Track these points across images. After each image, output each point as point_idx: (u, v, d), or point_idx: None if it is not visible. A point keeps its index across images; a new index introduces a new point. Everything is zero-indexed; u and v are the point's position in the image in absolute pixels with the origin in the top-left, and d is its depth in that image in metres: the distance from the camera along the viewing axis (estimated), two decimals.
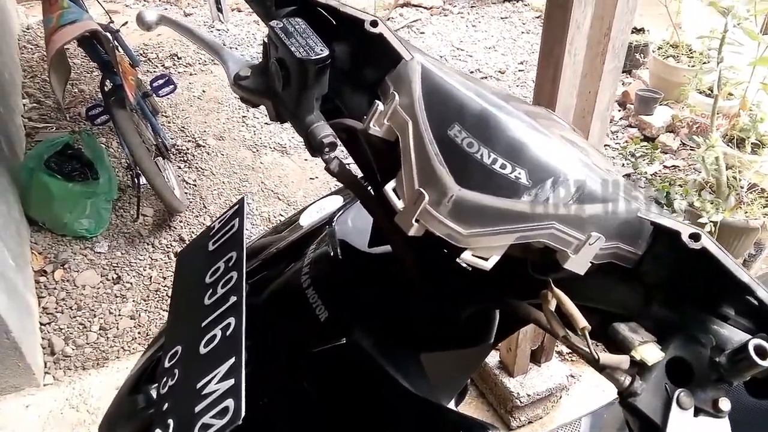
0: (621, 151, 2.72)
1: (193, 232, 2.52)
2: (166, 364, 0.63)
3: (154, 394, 0.63)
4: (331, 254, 0.65)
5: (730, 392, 0.51)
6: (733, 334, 0.50)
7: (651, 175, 2.86)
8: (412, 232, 0.49)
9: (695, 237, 0.45)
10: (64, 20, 2.17)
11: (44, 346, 2.03)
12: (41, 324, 2.10)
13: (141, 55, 4.10)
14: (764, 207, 2.35)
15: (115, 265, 2.37)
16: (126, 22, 2.83)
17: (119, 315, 2.17)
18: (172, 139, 3.04)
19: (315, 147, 0.56)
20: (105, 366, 2.00)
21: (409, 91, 0.52)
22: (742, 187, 2.35)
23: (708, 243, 0.45)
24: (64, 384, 1.92)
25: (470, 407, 1.96)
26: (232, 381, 0.54)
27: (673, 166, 2.93)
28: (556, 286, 0.52)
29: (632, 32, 3.81)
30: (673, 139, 3.02)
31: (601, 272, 0.51)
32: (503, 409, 1.88)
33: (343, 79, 0.60)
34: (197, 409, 0.54)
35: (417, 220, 0.49)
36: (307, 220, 0.78)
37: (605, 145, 3.05)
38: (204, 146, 3.05)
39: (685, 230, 0.46)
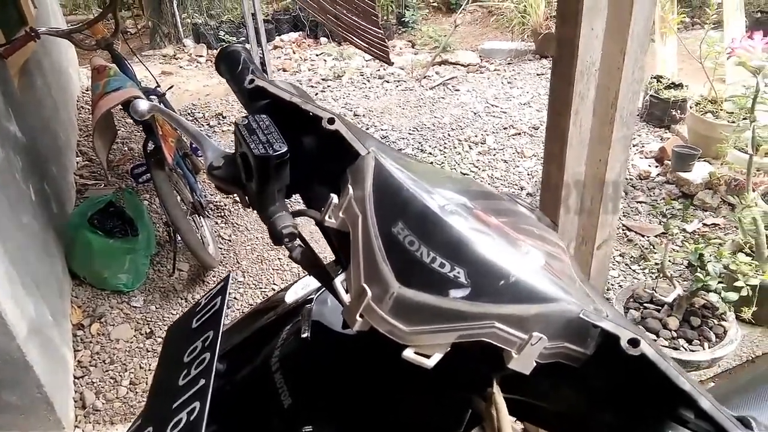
0: (652, 211, 2.65)
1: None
2: None
3: None
4: (302, 335, 0.66)
5: None
6: None
7: (689, 233, 2.77)
8: (356, 327, 0.50)
9: (634, 343, 0.45)
10: (109, 87, 2.32)
11: (76, 400, 2.09)
12: (75, 377, 2.17)
13: (188, 114, 4.31)
14: None
15: (149, 319, 2.44)
16: (171, 86, 3.00)
17: (149, 369, 2.22)
18: (211, 195, 3.15)
19: (276, 236, 0.58)
20: (131, 421, 2.03)
21: (362, 185, 0.54)
22: None
23: (647, 349, 0.45)
24: None
25: None
26: None
27: (713, 224, 2.83)
28: (507, 383, 0.52)
29: (670, 88, 3.77)
30: (711, 197, 2.93)
31: (549, 371, 0.50)
32: None
33: (311, 171, 0.63)
34: None
35: (361, 315, 0.50)
36: (292, 297, 0.80)
37: (639, 202, 2.99)
38: (239, 203, 3.14)
39: (625, 335, 0.45)
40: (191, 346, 0.71)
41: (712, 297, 1.99)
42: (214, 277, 2.65)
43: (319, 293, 0.76)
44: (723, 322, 2.06)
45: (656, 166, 3.32)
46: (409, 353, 0.48)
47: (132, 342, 2.34)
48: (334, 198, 0.55)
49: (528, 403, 0.55)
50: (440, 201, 0.51)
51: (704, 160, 3.16)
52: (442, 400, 0.60)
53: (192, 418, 0.60)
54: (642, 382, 0.48)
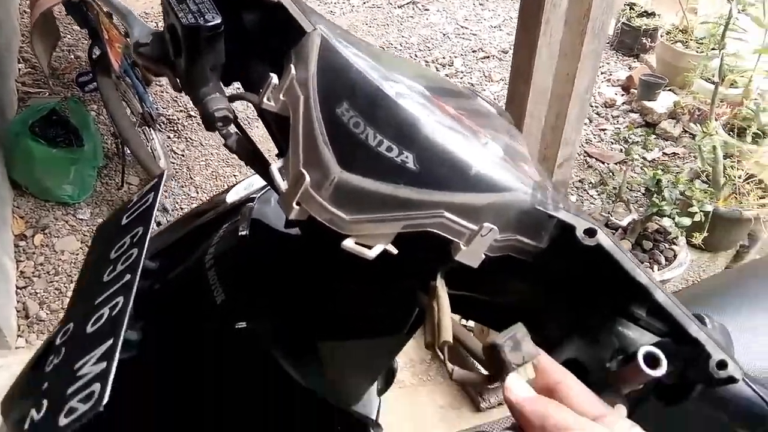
0: (614, 136, 2.65)
1: (176, 202, 2.50)
2: (57, 341, 0.60)
3: None
4: (239, 233, 0.62)
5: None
6: (641, 338, 0.46)
7: (649, 161, 2.79)
8: (292, 216, 0.45)
9: (590, 233, 0.41)
10: None
11: (19, 310, 2.03)
12: (17, 288, 2.10)
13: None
14: (760, 198, 2.29)
15: None
16: None
17: None
18: (163, 108, 3.00)
19: (208, 120, 0.52)
20: None
21: (306, 65, 0.48)
22: (738, 178, 2.29)
23: (604, 240, 0.41)
24: (36, 347, 1.92)
25: (441, 387, 1.94)
26: (104, 365, 0.50)
27: (673, 153, 2.86)
28: (453, 277, 0.49)
29: (642, 16, 3.70)
30: (674, 126, 2.94)
31: (499, 266, 0.47)
32: (474, 389, 1.86)
33: (251, 51, 0.56)
34: (69, 390, 0.51)
35: (299, 203, 0.45)
36: (233, 197, 0.75)
37: (602, 130, 2.98)
38: (195, 117, 3.01)
39: (581, 225, 0.42)
40: (119, 243, 0.65)
41: (666, 222, 2.02)
42: (165, 192, 2.56)
43: (263, 192, 0.71)
44: (674, 247, 2.11)
45: (622, 95, 3.30)
46: (349, 243, 0.44)
47: (78, 254, 2.26)
48: (274, 78, 0.49)
49: (475, 299, 0.52)
50: (393, 85, 0.45)
51: (670, 90, 3.15)
52: (385, 295, 0.56)
53: (114, 313, 0.55)
54: (596, 276, 0.45)
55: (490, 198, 0.43)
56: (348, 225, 0.44)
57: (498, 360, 0.41)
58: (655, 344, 0.42)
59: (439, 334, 0.43)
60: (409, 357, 2.04)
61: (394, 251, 0.44)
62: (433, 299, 0.46)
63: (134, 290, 0.57)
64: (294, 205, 0.45)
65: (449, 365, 0.42)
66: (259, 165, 0.56)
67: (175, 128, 2.93)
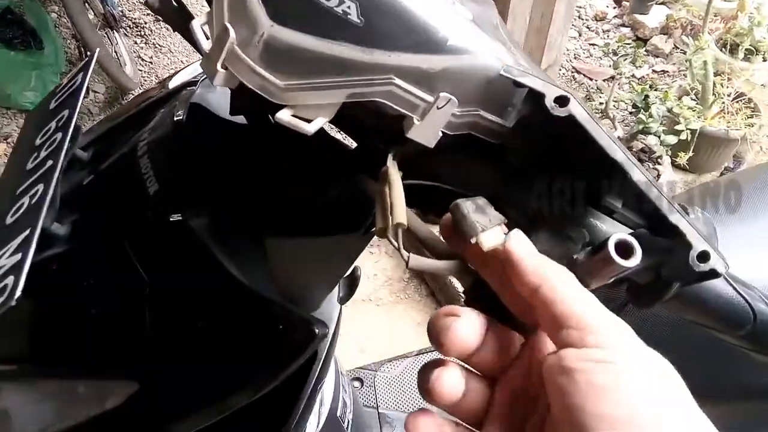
0: (603, 48, 2.54)
1: None
2: None
3: None
4: (176, 117, 0.55)
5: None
6: (614, 230, 0.41)
7: (638, 78, 2.70)
8: (217, 82, 0.38)
9: (562, 101, 0.35)
10: None
11: None
12: None
13: None
14: (749, 118, 2.23)
15: None
16: None
17: None
18: (129, 11, 2.81)
19: None
20: None
21: None
22: (728, 96, 2.22)
23: (577, 109, 0.35)
24: None
25: (419, 305, 1.94)
26: (18, 256, 0.45)
27: (662, 70, 2.76)
28: (406, 162, 0.43)
29: None
30: (665, 42, 2.83)
31: (458, 147, 0.41)
32: (430, 279, 1.86)
33: None
34: None
35: (224, 66, 0.38)
36: (176, 83, 0.67)
37: (591, 44, 2.86)
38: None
39: (552, 92, 0.36)
40: (45, 128, 0.58)
41: (651, 140, 1.97)
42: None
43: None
44: (658, 166, 2.07)
45: (614, 8, 3.15)
46: (284, 115, 0.38)
47: None
48: None
49: (430, 189, 0.46)
50: None
51: (662, 4, 3.01)
52: (332, 184, 0.50)
53: (33, 201, 0.50)
54: (566, 157, 0.40)
55: (448, 61, 0.36)
56: (282, 92, 0.37)
57: (462, 225, 0.36)
58: (629, 234, 0.37)
59: (392, 215, 0.37)
60: (387, 275, 2.03)
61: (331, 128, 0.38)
62: (384, 184, 0.40)
63: (56, 176, 0.50)
64: (218, 67, 0.38)
65: (404, 253, 0.37)
66: (182, 23, 0.48)
67: (142, 33, 2.76)
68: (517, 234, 0.36)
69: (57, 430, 0.48)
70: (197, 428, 0.47)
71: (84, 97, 0.60)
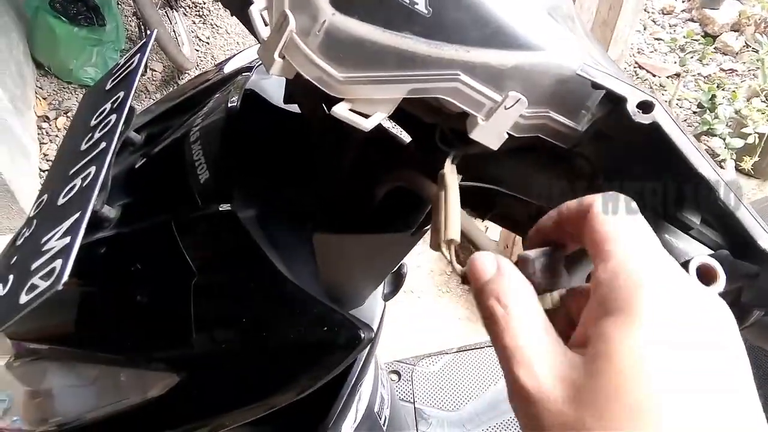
0: (669, 44, 2.43)
1: None
2: (31, 213, 0.54)
3: None
4: (230, 104, 0.54)
5: None
6: (691, 250, 0.38)
7: (704, 77, 2.58)
8: (273, 71, 0.37)
9: (646, 107, 0.32)
10: None
11: None
12: (41, 170, 2.08)
13: None
14: None
15: None
16: None
17: None
18: None
19: None
20: None
21: None
22: None
23: (663, 117, 0.32)
24: None
25: (460, 300, 1.91)
26: (68, 239, 0.44)
27: (731, 69, 2.63)
28: (468, 164, 0.40)
29: None
30: (735, 39, 2.68)
31: (525, 151, 0.38)
32: None
33: None
34: (33, 266, 0.46)
35: (282, 56, 0.36)
36: (232, 67, 0.66)
37: (657, 39, 2.74)
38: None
39: (635, 96, 0.32)
40: (100, 109, 0.58)
41: (716, 142, 1.87)
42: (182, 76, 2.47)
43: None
44: (720, 170, 1.96)
45: (683, 1, 3.01)
46: (341, 110, 0.36)
47: None
48: None
49: (493, 194, 0.43)
50: None
51: None
52: (386, 182, 0.48)
53: (85, 183, 0.49)
54: (644, 169, 0.36)
55: (521, 57, 0.34)
56: (340, 85, 0.35)
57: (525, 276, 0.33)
58: (710, 255, 0.34)
59: (446, 229, 0.35)
60: (429, 267, 2.00)
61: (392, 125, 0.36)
62: (441, 189, 0.37)
63: (109, 159, 0.50)
64: (276, 56, 0.36)
65: (458, 267, 0.34)
66: (241, 7, 0.47)
67: (201, 13, 2.79)
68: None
69: (97, 416, 0.48)
70: (236, 425, 0.46)
71: (141, 77, 0.59)
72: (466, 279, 0.32)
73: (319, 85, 0.36)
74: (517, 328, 0.27)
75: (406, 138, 0.55)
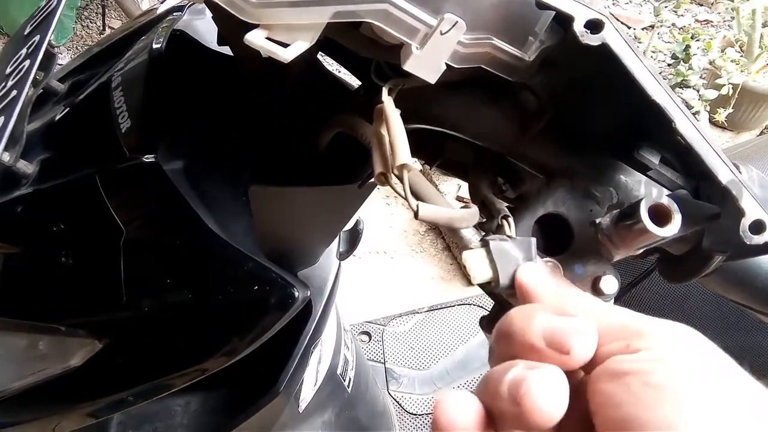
0: None
1: None
2: None
3: None
4: (155, 46, 0.49)
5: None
6: (648, 191, 0.35)
7: (679, 28, 2.54)
8: None
9: (595, 26, 0.28)
10: None
11: None
12: None
13: None
14: None
15: None
16: None
17: None
18: None
19: None
20: None
21: None
22: None
23: (613, 37, 0.28)
24: None
25: (434, 260, 1.89)
26: None
27: (706, 20, 2.59)
28: (408, 108, 0.36)
29: None
30: None
31: (467, 87, 0.34)
32: (447, 232, 1.81)
33: None
34: None
35: None
36: (165, 8, 0.60)
37: None
38: None
39: (583, 14, 0.29)
40: (15, 56, 0.53)
41: (689, 94, 1.85)
42: None
43: (194, 2, 0.57)
44: None
45: None
46: (256, 38, 0.31)
47: None
48: None
49: (437, 139, 0.40)
50: None
51: None
52: (319, 123, 0.44)
53: None
54: (594, 99, 0.33)
55: None
56: (254, 9, 0.31)
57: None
58: (667, 196, 0.31)
59: (393, 156, 0.30)
60: (402, 228, 1.98)
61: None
62: (381, 122, 0.33)
63: (18, 107, 0.45)
64: None
65: (412, 201, 0.30)
66: None
67: None
68: (526, 267, 0.30)
69: (18, 388, 0.44)
70: (169, 392, 0.43)
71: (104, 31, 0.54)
72: (416, 216, 0.29)
73: (230, 10, 0.31)
74: None
75: (356, 84, 0.50)
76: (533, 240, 0.31)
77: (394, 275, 1.84)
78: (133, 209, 0.45)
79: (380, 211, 2.01)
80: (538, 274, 0.29)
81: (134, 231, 0.45)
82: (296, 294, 0.39)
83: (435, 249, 1.91)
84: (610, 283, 0.32)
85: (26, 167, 0.49)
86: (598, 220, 0.31)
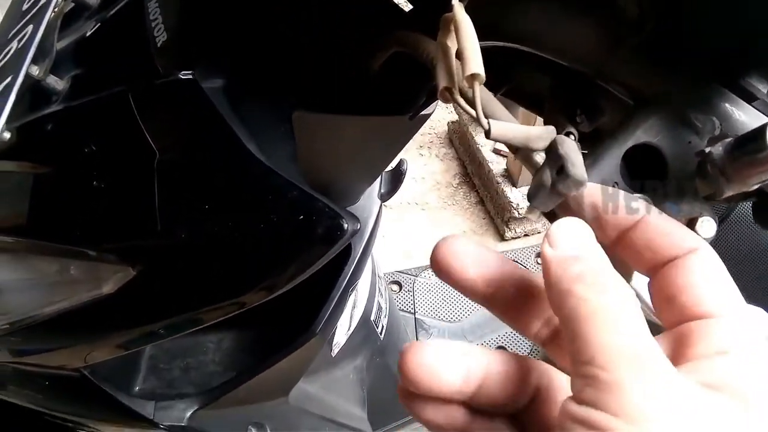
0: None
1: None
2: None
3: None
4: None
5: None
6: (755, 122, 0.30)
7: None
8: None
9: None
10: None
11: None
12: None
13: None
14: None
15: None
16: None
17: None
18: None
19: None
20: None
21: None
22: None
23: None
24: None
25: (466, 213, 1.85)
26: None
27: None
28: (479, 20, 0.31)
29: None
30: None
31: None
32: (500, 218, 1.76)
33: None
34: None
35: None
36: None
37: None
38: None
39: None
40: None
41: None
42: None
43: None
44: None
45: None
46: None
47: None
48: None
49: (508, 62, 0.35)
50: None
51: None
52: (372, 50, 0.40)
53: (21, 44, 0.42)
54: (699, 13, 0.28)
55: None
56: None
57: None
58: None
59: (463, 66, 0.25)
60: (435, 179, 1.93)
61: None
62: (448, 32, 0.28)
63: (47, 15, 0.42)
64: None
65: (483, 119, 0.25)
66: None
67: None
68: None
69: (49, 313, 0.42)
70: (202, 326, 0.41)
71: None
72: (488, 135, 0.24)
73: None
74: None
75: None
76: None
77: (425, 227, 1.81)
78: (168, 130, 0.42)
79: (414, 161, 1.96)
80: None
81: (169, 153, 0.42)
82: (345, 226, 0.36)
83: (468, 202, 1.87)
84: (708, 226, 0.28)
85: (56, 83, 0.46)
86: (707, 149, 0.27)
